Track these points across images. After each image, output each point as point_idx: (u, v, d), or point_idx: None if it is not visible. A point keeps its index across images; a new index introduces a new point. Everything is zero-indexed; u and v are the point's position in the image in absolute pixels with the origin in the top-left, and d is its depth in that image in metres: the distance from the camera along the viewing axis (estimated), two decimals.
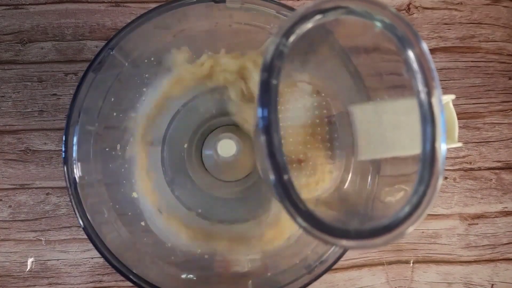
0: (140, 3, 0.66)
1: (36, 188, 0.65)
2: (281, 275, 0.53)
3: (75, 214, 0.50)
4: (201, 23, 0.53)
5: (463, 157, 0.68)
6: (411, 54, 0.35)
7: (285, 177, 0.34)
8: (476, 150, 0.68)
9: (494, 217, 0.68)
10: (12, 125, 0.65)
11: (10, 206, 0.64)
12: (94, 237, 0.50)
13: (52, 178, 0.65)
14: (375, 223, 0.35)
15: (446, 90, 0.68)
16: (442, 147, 0.34)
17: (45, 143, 0.65)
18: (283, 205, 0.34)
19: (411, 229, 0.35)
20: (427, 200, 0.35)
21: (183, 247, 0.54)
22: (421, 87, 0.35)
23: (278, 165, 0.34)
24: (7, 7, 0.66)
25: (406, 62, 0.35)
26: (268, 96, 0.34)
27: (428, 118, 0.34)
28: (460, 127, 0.68)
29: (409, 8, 0.68)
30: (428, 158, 0.34)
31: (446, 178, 0.68)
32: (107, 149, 0.54)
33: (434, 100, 0.35)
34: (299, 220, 0.34)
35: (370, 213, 0.46)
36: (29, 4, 0.66)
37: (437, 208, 0.67)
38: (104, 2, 0.66)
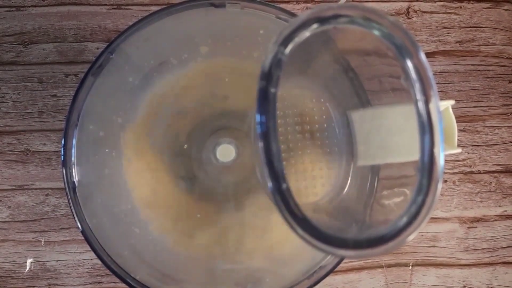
0: (142, 6, 0.66)
1: (35, 189, 0.65)
2: (280, 281, 0.53)
3: (74, 217, 0.50)
4: (201, 27, 0.53)
5: (463, 160, 0.68)
6: (409, 63, 0.35)
7: (283, 185, 0.34)
8: (476, 153, 0.68)
9: (493, 221, 0.68)
10: (12, 126, 0.65)
11: (9, 207, 0.64)
12: (92, 241, 0.50)
13: (52, 179, 0.65)
14: (374, 231, 0.35)
15: (445, 93, 0.68)
16: (441, 157, 0.34)
17: (45, 144, 0.65)
18: (280, 213, 0.34)
19: (411, 238, 0.35)
20: (425, 209, 0.35)
21: (180, 251, 0.54)
22: (419, 96, 0.35)
23: (276, 173, 0.34)
24: (9, 8, 0.66)
25: (404, 71, 0.35)
26: (266, 104, 0.34)
27: (426, 128, 0.34)
28: (459, 130, 0.68)
29: (408, 12, 0.68)
30: (426, 168, 0.34)
31: (445, 181, 0.68)
32: (106, 150, 0.54)
33: (432, 110, 0.34)
34: (297, 229, 0.34)
35: (369, 219, 0.46)
36: (31, 6, 0.66)
37: (436, 211, 0.67)
38: (106, 4, 0.66)
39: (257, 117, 0.34)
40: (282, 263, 0.54)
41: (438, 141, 0.34)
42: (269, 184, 0.34)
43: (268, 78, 0.34)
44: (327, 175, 0.50)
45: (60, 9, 0.66)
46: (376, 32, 0.36)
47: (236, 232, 0.54)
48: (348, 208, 0.49)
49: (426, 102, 0.35)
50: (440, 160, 0.35)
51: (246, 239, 0.54)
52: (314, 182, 0.50)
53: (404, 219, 0.35)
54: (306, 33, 0.35)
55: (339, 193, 0.49)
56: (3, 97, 0.65)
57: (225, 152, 0.53)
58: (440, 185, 0.35)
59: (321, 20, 0.35)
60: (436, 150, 0.34)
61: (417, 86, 0.35)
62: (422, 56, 0.35)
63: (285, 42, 0.34)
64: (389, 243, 0.34)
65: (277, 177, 0.34)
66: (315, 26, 0.35)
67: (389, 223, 0.35)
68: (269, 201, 0.45)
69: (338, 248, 0.34)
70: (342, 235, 0.34)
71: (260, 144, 0.34)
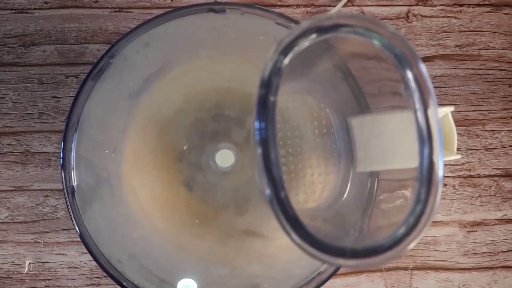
0: (143, 9, 0.66)
1: (35, 190, 0.65)
2: (278, 287, 0.53)
3: (72, 221, 0.50)
4: (201, 32, 0.53)
5: (463, 164, 0.68)
6: (409, 73, 0.35)
7: (282, 193, 0.33)
8: (476, 157, 0.68)
9: (493, 225, 0.68)
10: (12, 127, 0.65)
11: (8, 208, 0.64)
12: (90, 245, 0.50)
13: (51, 180, 0.65)
14: (372, 241, 0.35)
15: (445, 97, 0.68)
16: (440, 167, 0.34)
17: (45, 145, 0.65)
18: (278, 221, 0.34)
19: (410, 248, 0.35)
20: (425, 219, 0.34)
21: (178, 256, 0.54)
22: (418, 105, 0.35)
23: (275, 181, 0.33)
24: (12, 11, 0.66)
25: (404, 80, 0.35)
26: (265, 112, 0.34)
27: (425, 138, 0.34)
28: (459, 134, 0.67)
29: (408, 16, 0.68)
30: (425, 177, 0.34)
31: (445, 185, 0.68)
32: (106, 153, 0.53)
33: (431, 119, 0.34)
34: (295, 237, 0.34)
35: (368, 226, 0.45)
36: (34, 8, 0.66)
37: (436, 215, 0.67)
38: (107, 7, 0.66)
39: (256, 124, 0.33)
40: (280, 269, 0.54)
41: (437, 151, 0.34)
42: (267, 191, 0.33)
43: (268, 86, 0.34)
44: (326, 181, 0.50)
45: (63, 12, 0.66)
46: (376, 42, 0.36)
47: (235, 237, 0.54)
48: (346, 214, 0.49)
49: (425, 111, 0.35)
50: (439, 169, 0.34)
51: (245, 244, 0.54)
52: (313, 187, 0.50)
53: (403, 229, 0.35)
54: (305, 43, 0.35)
55: (338, 199, 0.49)
56: (3, 98, 0.65)
57: (224, 157, 0.52)
58: (439, 195, 0.35)
59: (321, 30, 0.35)
60: (435, 159, 0.34)
61: (416, 95, 0.35)
62: (422, 66, 0.35)
63: (285, 51, 0.34)
64: (387, 253, 0.34)
65: (275, 184, 0.33)
66: (314, 35, 0.35)
67: (387, 232, 0.35)
68: (268, 207, 0.45)
69: (335, 257, 0.34)
70: (340, 244, 0.34)
71: (259, 151, 0.33)
